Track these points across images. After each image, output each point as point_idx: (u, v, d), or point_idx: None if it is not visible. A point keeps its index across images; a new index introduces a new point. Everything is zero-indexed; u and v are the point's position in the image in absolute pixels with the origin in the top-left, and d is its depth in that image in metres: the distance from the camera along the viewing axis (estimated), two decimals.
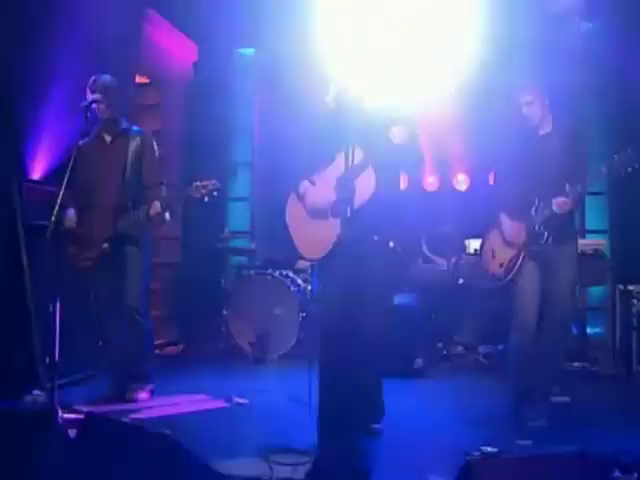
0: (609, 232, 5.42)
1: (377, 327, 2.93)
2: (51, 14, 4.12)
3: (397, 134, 2.74)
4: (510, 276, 3.34)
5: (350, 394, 2.76)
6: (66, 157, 4.14)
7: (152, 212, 3.51)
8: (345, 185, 2.67)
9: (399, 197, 3.07)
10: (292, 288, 5.13)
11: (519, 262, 3.31)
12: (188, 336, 5.73)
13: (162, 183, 3.73)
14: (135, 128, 3.77)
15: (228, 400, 3.69)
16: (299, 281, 5.32)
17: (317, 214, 2.94)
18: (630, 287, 4.64)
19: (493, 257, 3.46)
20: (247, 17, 5.73)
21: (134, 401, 3.68)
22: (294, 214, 3.05)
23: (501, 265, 3.39)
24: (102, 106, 3.57)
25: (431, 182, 6.43)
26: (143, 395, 3.73)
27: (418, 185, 6.10)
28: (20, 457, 2.17)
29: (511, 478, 1.67)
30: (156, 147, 3.79)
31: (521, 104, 3.23)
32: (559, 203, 3.13)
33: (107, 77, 3.63)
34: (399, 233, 3.21)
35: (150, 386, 3.80)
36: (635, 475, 1.60)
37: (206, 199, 3.48)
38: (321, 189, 2.91)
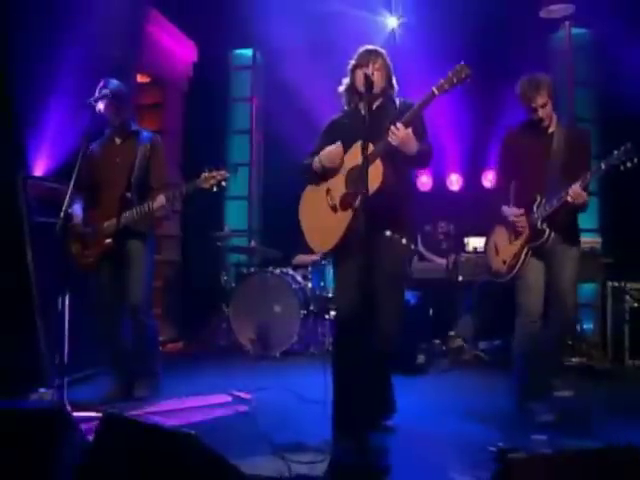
0: (599, 231, 5.40)
1: (392, 322, 2.81)
2: (54, 12, 4.00)
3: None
4: (513, 273, 3.26)
5: (365, 390, 2.64)
6: (69, 154, 4.02)
7: (156, 205, 3.40)
8: (357, 177, 2.55)
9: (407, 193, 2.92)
10: (293, 285, 5.02)
11: (522, 259, 3.23)
12: (188, 333, 5.59)
13: (167, 185, 3.61)
14: (145, 132, 3.70)
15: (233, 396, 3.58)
16: (299, 278, 5.22)
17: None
18: (622, 284, 4.62)
19: (497, 253, 3.39)
20: (245, 18, 5.64)
21: (140, 399, 3.54)
22: (309, 205, 2.91)
23: (504, 262, 3.32)
24: (111, 111, 3.50)
25: (425, 182, 6.38)
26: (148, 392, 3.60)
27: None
28: (34, 460, 2.03)
29: (553, 476, 1.57)
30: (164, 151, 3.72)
31: (537, 107, 3.13)
32: (574, 191, 2.98)
33: (115, 82, 3.53)
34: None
35: (156, 383, 3.67)
36: None
37: (215, 189, 3.35)
38: (328, 153, 2.78)
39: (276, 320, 4.96)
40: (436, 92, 2.59)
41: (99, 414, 2.14)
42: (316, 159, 2.79)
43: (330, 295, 5.16)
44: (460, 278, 4.94)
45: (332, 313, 5.15)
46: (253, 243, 5.74)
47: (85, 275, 3.56)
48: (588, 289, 5.23)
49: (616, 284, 4.69)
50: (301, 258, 5.55)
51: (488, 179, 6.33)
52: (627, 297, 4.63)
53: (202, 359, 4.92)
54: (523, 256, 3.22)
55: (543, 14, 5.55)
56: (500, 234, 3.38)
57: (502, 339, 4.83)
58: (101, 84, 3.48)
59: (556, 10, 5.50)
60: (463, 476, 2.41)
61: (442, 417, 3.29)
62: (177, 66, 6.12)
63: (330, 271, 5.19)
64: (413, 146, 2.64)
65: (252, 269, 5.42)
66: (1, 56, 3.68)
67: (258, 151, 6.71)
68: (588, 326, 5.01)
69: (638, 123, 4.92)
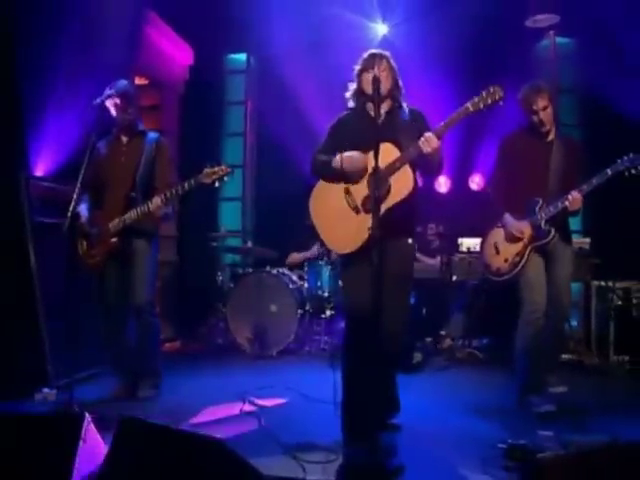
0: (583, 232, 5.42)
1: (398, 322, 2.75)
2: (55, 14, 3.89)
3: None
4: (516, 271, 3.25)
5: (375, 390, 2.58)
6: (70, 155, 3.90)
7: (152, 207, 3.31)
8: (379, 181, 2.48)
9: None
10: (290, 285, 4.94)
11: (525, 257, 3.23)
12: (185, 333, 5.47)
13: (172, 185, 3.51)
14: (151, 133, 3.60)
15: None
16: (295, 278, 5.14)
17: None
18: (609, 284, 4.64)
19: (497, 253, 3.37)
20: (240, 23, 5.56)
21: (144, 399, 3.43)
22: (324, 203, 2.82)
23: (506, 260, 3.30)
24: (119, 111, 3.41)
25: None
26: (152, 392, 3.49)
27: None
28: (49, 466, 1.92)
29: (584, 474, 1.53)
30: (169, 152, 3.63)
31: (538, 109, 3.13)
32: (574, 197, 3.06)
33: (124, 82, 3.44)
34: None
35: (158, 382, 3.57)
36: None
37: (217, 184, 3.26)
38: (351, 156, 2.68)
39: (273, 319, 4.87)
40: (471, 108, 2.54)
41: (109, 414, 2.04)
42: (336, 159, 2.71)
43: (326, 295, 5.09)
44: (454, 278, 4.92)
45: (328, 313, 5.09)
46: (250, 244, 5.64)
47: (90, 275, 3.45)
48: (574, 288, 5.24)
49: (602, 283, 4.70)
50: (294, 256, 5.48)
51: (475, 182, 6.34)
52: (612, 296, 4.65)
53: (200, 358, 4.81)
54: (527, 254, 3.23)
55: (529, 23, 5.57)
56: (499, 235, 3.37)
57: (491, 337, 4.83)
58: (110, 86, 3.38)
59: (541, 20, 5.53)
60: (476, 474, 2.37)
61: (445, 414, 3.24)
62: (174, 69, 6.01)
63: (326, 271, 5.12)
64: (439, 156, 2.64)
65: (248, 269, 5.32)
66: (4, 58, 3.54)
67: (252, 153, 6.63)
68: (573, 323, 5.02)
69: (619, 128, 4.98)
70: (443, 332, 5.16)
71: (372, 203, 2.41)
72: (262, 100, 6.49)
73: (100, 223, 3.40)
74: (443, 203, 6.18)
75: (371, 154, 2.50)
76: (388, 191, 2.59)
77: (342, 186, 2.74)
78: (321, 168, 2.79)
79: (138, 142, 3.50)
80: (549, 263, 3.25)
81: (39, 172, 3.90)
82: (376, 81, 2.50)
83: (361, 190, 2.70)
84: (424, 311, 4.87)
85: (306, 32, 5.55)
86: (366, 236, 2.58)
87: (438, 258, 5.19)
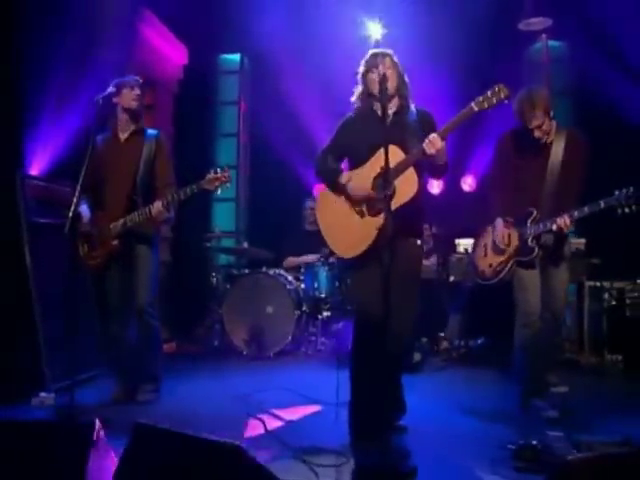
0: (578, 233, 5.44)
1: (406, 324, 2.72)
2: (52, 13, 3.80)
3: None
4: (498, 278, 3.23)
5: (384, 391, 2.54)
6: (66, 154, 3.80)
7: (154, 212, 3.24)
8: (384, 184, 2.45)
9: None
10: (287, 286, 4.88)
11: (507, 269, 3.19)
12: (181, 334, 5.39)
13: (172, 184, 3.43)
14: (150, 130, 3.51)
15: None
16: (291, 278, 5.08)
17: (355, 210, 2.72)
18: (604, 284, 4.66)
19: (485, 254, 3.34)
20: (233, 24, 5.51)
21: (144, 402, 3.35)
22: (328, 207, 2.79)
23: (490, 265, 3.28)
24: (138, 102, 3.36)
25: None
26: (152, 397, 3.41)
27: None
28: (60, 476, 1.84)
29: (611, 477, 1.50)
30: (169, 149, 3.55)
31: (533, 128, 3.05)
32: (561, 223, 2.95)
33: (134, 77, 3.39)
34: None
35: (158, 387, 3.49)
36: None
37: (219, 191, 3.19)
38: (358, 186, 2.68)
39: (270, 321, 4.81)
40: (475, 108, 2.49)
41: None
42: (344, 177, 2.70)
43: (323, 296, 5.04)
44: (451, 278, 4.90)
45: (325, 314, 5.05)
46: (245, 244, 5.57)
47: (91, 276, 3.37)
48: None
49: (597, 284, 4.72)
50: (291, 260, 5.40)
51: (467, 183, 6.35)
52: (606, 296, 4.68)
53: (196, 360, 4.72)
54: (509, 266, 3.19)
55: (522, 27, 5.59)
56: (490, 237, 3.31)
57: (488, 337, 4.82)
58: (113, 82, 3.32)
59: (534, 23, 5.56)
60: (488, 474, 2.34)
61: (450, 415, 3.20)
62: (168, 68, 5.92)
63: (323, 272, 5.07)
64: (444, 157, 2.60)
65: (244, 270, 5.25)
66: (2, 57, 3.44)
67: (245, 154, 6.57)
68: (566, 321, 5.05)
69: (612, 130, 5.02)
70: (440, 332, 5.15)
71: (383, 203, 2.39)
72: (255, 100, 6.44)
73: (101, 224, 3.32)
74: (436, 204, 6.17)
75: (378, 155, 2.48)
76: (393, 193, 2.56)
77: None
78: (326, 175, 2.79)
79: (137, 140, 3.41)
80: (544, 269, 3.19)
81: (34, 171, 3.80)
82: (383, 79, 2.46)
83: (365, 194, 2.67)
84: (421, 311, 4.84)
85: (299, 33, 5.51)
86: (373, 237, 2.56)
87: (433, 259, 5.19)
